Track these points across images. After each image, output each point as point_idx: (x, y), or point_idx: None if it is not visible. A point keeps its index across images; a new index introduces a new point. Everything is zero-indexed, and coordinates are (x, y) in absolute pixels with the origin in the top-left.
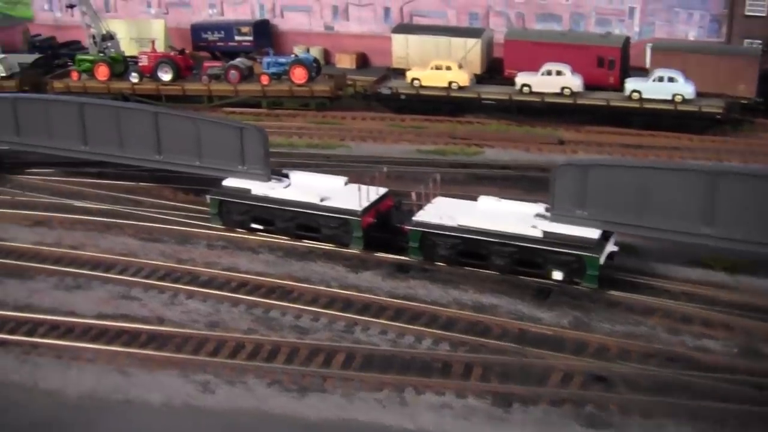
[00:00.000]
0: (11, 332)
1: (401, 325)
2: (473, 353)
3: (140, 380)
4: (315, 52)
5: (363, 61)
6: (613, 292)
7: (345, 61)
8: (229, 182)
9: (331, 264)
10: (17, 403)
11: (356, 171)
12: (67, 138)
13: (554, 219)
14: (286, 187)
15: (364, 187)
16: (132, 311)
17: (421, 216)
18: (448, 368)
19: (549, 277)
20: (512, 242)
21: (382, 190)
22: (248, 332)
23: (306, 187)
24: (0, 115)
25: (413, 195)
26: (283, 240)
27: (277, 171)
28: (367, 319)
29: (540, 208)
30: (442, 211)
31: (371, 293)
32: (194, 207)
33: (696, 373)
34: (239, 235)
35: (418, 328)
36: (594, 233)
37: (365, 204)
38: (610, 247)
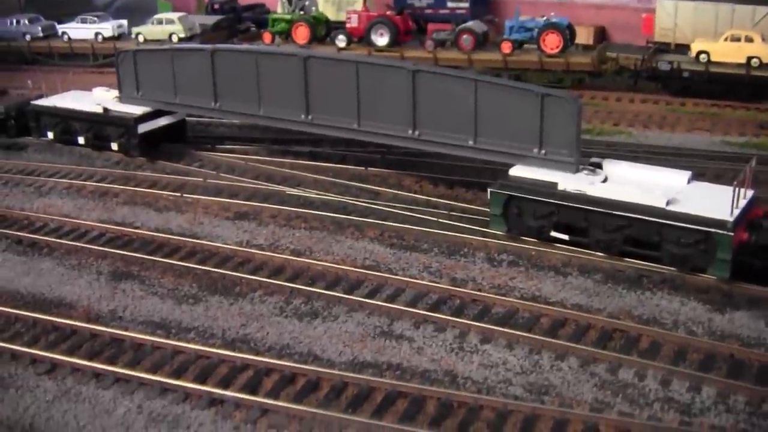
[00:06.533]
0: (226, 385)
1: None
2: None
3: None
4: None
5: (601, 37)
6: None
7: (581, 36)
8: (520, 171)
9: (679, 298)
10: None
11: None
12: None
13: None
14: (604, 181)
15: (725, 189)
16: (403, 359)
17: None
18: None
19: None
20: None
21: (748, 194)
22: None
23: (636, 184)
24: (191, 73)
25: None
26: (597, 258)
27: (583, 158)
28: None
29: None
30: None
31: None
32: (457, 204)
33: None
34: (530, 246)
35: None
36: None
37: (736, 212)
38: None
